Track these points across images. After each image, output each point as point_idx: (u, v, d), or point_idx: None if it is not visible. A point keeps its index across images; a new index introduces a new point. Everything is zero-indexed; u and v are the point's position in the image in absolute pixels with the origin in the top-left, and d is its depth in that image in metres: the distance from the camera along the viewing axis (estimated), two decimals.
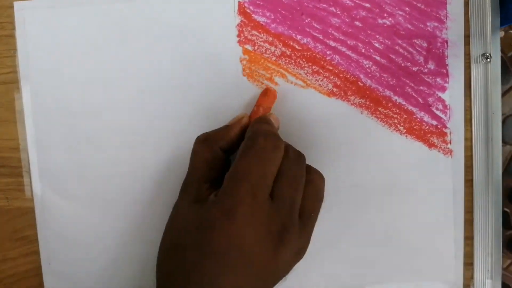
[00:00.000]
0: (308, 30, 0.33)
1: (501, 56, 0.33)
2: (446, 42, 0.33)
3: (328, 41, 0.33)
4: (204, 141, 0.30)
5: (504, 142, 0.35)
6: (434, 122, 0.33)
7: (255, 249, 0.26)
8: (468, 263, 0.34)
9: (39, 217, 0.34)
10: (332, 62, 0.33)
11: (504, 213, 0.34)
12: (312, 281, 0.34)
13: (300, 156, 0.29)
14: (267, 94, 0.32)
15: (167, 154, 0.33)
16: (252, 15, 0.33)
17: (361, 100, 0.33)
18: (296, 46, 0.33)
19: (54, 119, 0.34)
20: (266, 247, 0.26)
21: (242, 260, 0.26)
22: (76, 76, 0.33)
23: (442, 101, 0.33)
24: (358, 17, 0.33)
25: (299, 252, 0.29)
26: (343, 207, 0.34)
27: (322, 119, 0.33)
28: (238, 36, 0.33)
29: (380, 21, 0.33)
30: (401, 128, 0.33)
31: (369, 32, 0.33)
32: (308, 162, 0.29)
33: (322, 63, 0.33)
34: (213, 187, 0.28)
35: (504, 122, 0.34)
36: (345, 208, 0.34)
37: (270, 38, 0.33)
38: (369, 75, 0.33)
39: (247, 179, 0.26)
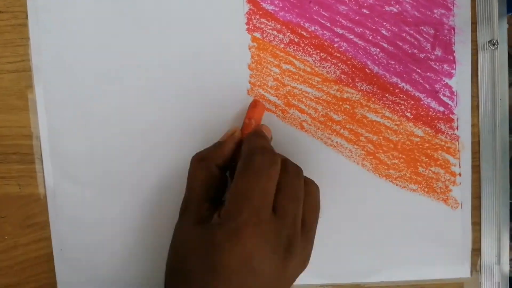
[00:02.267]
0: (316, 17, 0.33)
1: (508, 50, 0.33)
2: (453, 29, 0.33)
3: (335, 29, 0.33)
4: (199, 161, 0.30)
5: None
6: (441, 108, 0.33)
7: (264, 265, 0.26)
8: (476, 249, 0.34)
9: (50, 204, 0.35)
10: (340, 49, 0.33)
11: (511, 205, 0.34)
12: (324, 267, 0.35)
13: (298, 170, 0.29)
14: (256, 106, 0.33)
15: (178, 139, 0.34)
16: (261, 3, 0.33)
17: (368, 86, 0.33)
18: (304, 34, 0.33)
19: (65, 106, 0.34)
20: (275, 262, 0.27)
21: (252, 278, 0.26)
22: (87, 64, 0.34)
23: (449, 87, 0.33)
24: (365, 4, 0.33)
25: (304, 261, 0.29)
26: (349, 194, 0.34)
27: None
28: (247, 24, 0.33)
29: (387, 8, 0.33)
30: (408, 114, 0.33)
31: (376, 19, 0.33)
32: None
33: (330, 50, 0.33)
34: (213, 206, 0.29)
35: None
36: (352, 195, 0.34)
37: (279, 26, 0.33)
38: (377, 62, 0.33)
39: (249, 198, 0.27)
